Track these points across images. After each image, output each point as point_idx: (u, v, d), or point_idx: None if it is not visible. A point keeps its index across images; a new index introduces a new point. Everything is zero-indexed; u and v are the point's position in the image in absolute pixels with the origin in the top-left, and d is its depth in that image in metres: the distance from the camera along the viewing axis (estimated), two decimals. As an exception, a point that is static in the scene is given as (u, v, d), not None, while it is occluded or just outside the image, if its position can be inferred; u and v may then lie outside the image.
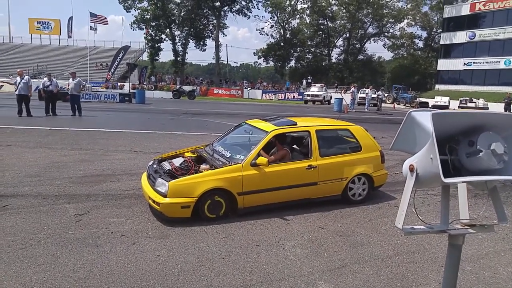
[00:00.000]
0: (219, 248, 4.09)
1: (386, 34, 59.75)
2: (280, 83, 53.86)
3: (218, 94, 42.36)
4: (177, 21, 57.09)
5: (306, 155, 5.47)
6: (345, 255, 4.01)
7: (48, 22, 54.95)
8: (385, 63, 70.38)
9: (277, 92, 43.05)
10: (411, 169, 1.84)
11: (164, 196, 4.70)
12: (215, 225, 4.70)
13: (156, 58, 59.09)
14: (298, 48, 60.95)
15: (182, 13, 56.59)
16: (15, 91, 15.08)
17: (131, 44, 47.20)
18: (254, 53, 62.55)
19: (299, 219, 5.04)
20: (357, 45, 61.39)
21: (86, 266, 3.57)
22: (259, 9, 59.81)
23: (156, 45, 57.33)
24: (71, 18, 55.67)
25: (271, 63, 63.93)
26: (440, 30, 53.80)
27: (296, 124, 5.63)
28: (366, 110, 25.79)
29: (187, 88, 38.39)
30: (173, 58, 59.75)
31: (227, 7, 56.52)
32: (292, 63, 63.80)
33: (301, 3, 58.35)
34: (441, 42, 51.60)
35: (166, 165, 5.41)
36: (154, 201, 4.76)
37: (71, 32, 55.65)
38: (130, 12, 57.02)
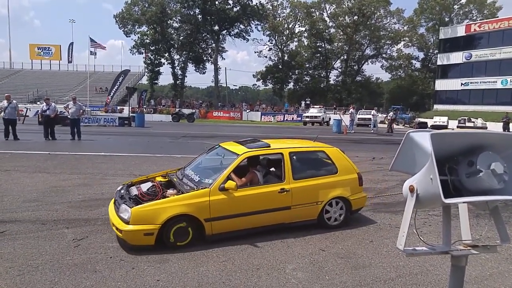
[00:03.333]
0: (219, 272, 4.03)
1: (383, 55, 60.80)
2: (279, 105, 54.37)
3: (217, 117, 42.67)
4: (176, 45, 58.18)
5: (280, 178, 5.29)
6: (346, 278, 3.94)
7: (49, 47, 55.92)
8: (383, 84, 71.21)
9: (276, 114, 43.39)
10: (411, 189, 1.84)
11: (127, 222, 4.49)
12: (214, 248, 4.65)
13: (155, 81, 59.90)
14: (297, 70, 61.85)
15: (181, 37, 57.78)
16: (2, 114, 15.09)
17: (130, 68, 47.81)
18: (253, 76, 63.48)
19: (300, 241, 4.99)
20: (355, 67, 62.30)
21: (84, 293, 3.50)
22: (259, 31, 60.71)
23: (156, 69, 58.27)
24: (71, 43, 56.59)
25: (270, 86, 64.71)
26: (437, 51, 54.78)
27: (269, 146, 5.49)
28: (372, 131, 25.55)
29: (186, 111, 38.67)
30: (173, 81, 60.50)
31: (225, 31, 57.72)
32: (291, 85, 64.68)
33: (299, 26, 59.68)
34: (438, 63, 52.56)
35: (134, 190, 5.22)
36: (117, 228, 4.55)
37: (71, 57, 56.53)
38: (129, 36, 58.17)
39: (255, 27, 58.64)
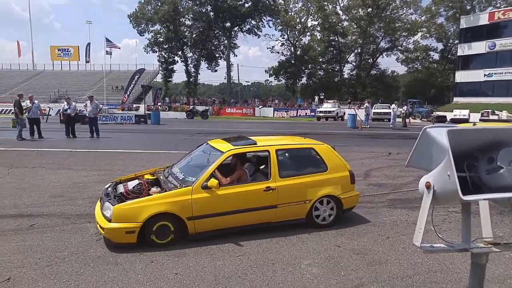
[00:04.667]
0: (235, 266, 4.11)
1: (399, 48, 59.47)
2: (292, 100, 54.05)
3: (230, 113, 42.77)
4: (189, 43, 58.48)
5: (267, 176, 5.16)
6: (362, 274, 3.97)
7: (68, 48, 56.98)
8: (399, 77, 69.98)
9: (288, 110, 43.19)
10: (428, 186, 1.83)
11: (109, 220, 4.49)
12: (230, 243, 4.73)
13: (169, 79, 60.31)
14: (310, 65, 61.23)
15: (194, 35, 57.99)
16: (27, 114, 15.52)
17: (145, 66, 48.24)
18: (265, 71, 63.24)
19: (315, 237, 5.02)
20: (369, 60, 61.37)
21: (107, 284, 3.69)
22: (270, 27, 60.49)
23: (169, 67, 58.68)
24: (88, 44, 57.56)
25: (283, 81, 64.36)
26: (457, 41, 52.87)
27: (255, 144, 5.37)
28: (391, 126, 25.17)
29: (200, 108, 38.89)
30: (186, 79, 60.83)
31: (237, 27, 57.67)
32: (304, 80, 64.18)
33: (311, 20, 59.01)
34: (459, 53, 50.54)
35: (120, 188, 5.24)
36: (100, 226, 4.58)
37: (88, 57, 57.43)
38: (143, 35, 58.75)
39: (267, 23, 58.51)
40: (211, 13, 55.85)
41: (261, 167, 5.64)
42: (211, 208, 4.77)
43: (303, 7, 58.68)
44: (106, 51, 39.25)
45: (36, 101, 16.06)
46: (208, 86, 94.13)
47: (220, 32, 58.57)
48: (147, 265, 4.09)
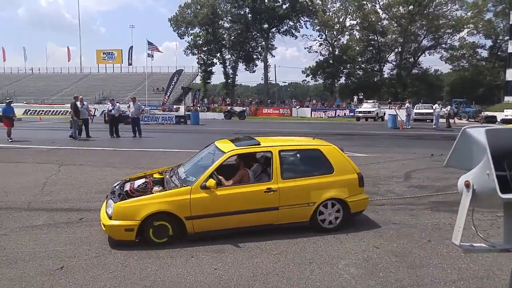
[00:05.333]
0: (273, 264, 4.17)
1: (443, 45, 56.83)
2: (330, 101, 53.35)
3: (267, 114, 42.87)
4: (227, 45, 59.26)
5: (270, 177, 5.08)
6: (402, 276, 3.89)
7: (112, 52, 59.46)
8: (443, 76, 66.97)
9: (327, 110, 42.67)
10: (467, 185, 1.82)
11: (110, 218, 4.61)
12: (267, 241, 4.80)
13: (208, 81, 61.40)
14: (348, 65, 60.03)
15: (232, 37, 58.69)
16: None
17: (184, 68, 49.46)
18: (302, 72, 62.70)
19: (352, 238, 4.98)
20: (410, 59, 59.17)
21: (150, 276, 3.87)
22: (307, 28, 59.90)
23: (208, 69, 59.71)
24: (131, 47, 59.77)
25: (320, 81, 63.63)
26: (507, 37, 49.97)
27: (259, 144, 5.31)
28: (434, 127, 24.26)
29: (237, 108, 39.32)
30: (224, 80, 61.71)
31: (274, 28, 57.72)
32: (342, 79, 62.97)
33: (350, 20, 57.88)
34: (510, 50, 47.75)
35: (127, 186, 5.31)
36: (102, 223, 4.73)
37: (131, 60, 59.63)
38: (183, 38, 60.16)
39: (304, 24, 58.02)
40: (249, 15, 56.28)
41: (267, 168, 5.52)
42: (210, 209, 4.76)
43: (341, 7, 57.75)
44: (148, 53, 40.50)
45: (85, 103, 17.00)
46: (245, 87, 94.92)
47: (257, 34, 58.88)
48: (187, 260, 4.25)
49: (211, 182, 4.70)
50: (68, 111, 33.74)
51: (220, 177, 5.15)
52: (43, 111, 42.13)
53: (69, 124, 16.66)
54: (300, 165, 5.61)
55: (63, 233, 5.01)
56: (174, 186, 4.93)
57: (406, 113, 25.71)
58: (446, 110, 26.48)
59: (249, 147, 5.32)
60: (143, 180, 5.45)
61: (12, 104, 16.37)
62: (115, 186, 5.44)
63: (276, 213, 4.99)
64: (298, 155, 5.68)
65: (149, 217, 4.57)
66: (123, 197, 4.87)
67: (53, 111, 42.36)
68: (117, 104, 18.64)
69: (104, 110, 19.37)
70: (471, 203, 1.81)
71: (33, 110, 41.63)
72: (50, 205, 6.36)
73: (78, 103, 16.27)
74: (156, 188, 5.00)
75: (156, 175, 5.58)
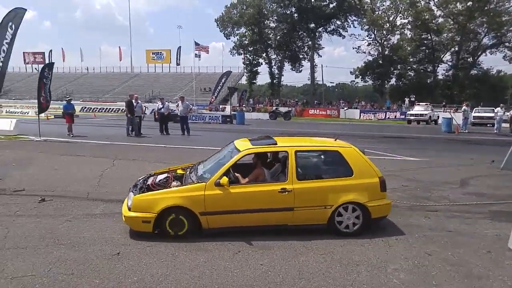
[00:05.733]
0: (319, 263, 4.15)
1: (506, 44, 52.90)
2: (380, 102, 51.71)
3: (313, 115, 42.35)
4: (273, 45, 59.22)
5: (286, 177, 5.02)
6: (457, 286, 3.70)
7: (161, 52, 61.51)
8: (508, 78, 62.33)
9: (376, 112, 41.42)
10: None
11: (129, 209, 4.82)
12: (314, 240, 4.78)
13: (253, 81, 61.76)
14: (399, 65, 57.65)
15: (278, 37, 58.55)
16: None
17: (230, 68, 50.21)
18: (350, 72, 61.26)
19: (403, 242, 4.83)
20: (468, 59, 55.58)
21: (199, 267, 4.02)
22: (355, 27, 58.23)
23: (254, 69, 59.99)
24: (179, 47, 61.60)
25: (369, 82, 61.79)
26: None
27: (275, 144, 5.30)
28: (496, 132, 22.73)
29: (283, 109, 39.24)
30: (270, 80, 61.76)
31: (321, 28, 56.83)
32: (393, 81, 60.60)
33: (401, 18, 55.60)
34: None
35: (150, 180, 5.46)
36: (123, 214, 4.92)
37: (179, 60, 61.37)
38: (229, 38, 60.88)
39: (352, 23, 56.54)
40: (295, 15, 55.84)
41: (285, 168, 5.41)
42: (223, 205, 4.83)
43: (391, 5, 55.67)
44: (195, 54, 41.57)
45: (139, 101, 17.77)
46: (291, 87, 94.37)
47: (304, 33, 58.28)
48: (234, 254, 4.35)
49: (224, 179, 4.77)
50: (121, 108, 35.64)
51: (237, 174, 5.26)
52: (97, 108, 44.40)
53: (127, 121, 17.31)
54: (318, 167, 5.52)
55: (118, 222, 5.29)
56: (191, 182, 5.06)
57: (463, 116, 24.28)
58: (510, 113, 24.70)
59: (264, 146, 5.34)
60: (165, 175, 5.62)
61: (71, 102, 17.52)
62: (139, 180, 5.67)
63: (291, 213, 4.94)
64: (315, 156, 5.59)
65: (165, 210, 4.73)
66: (144, 191, 5.05)
67: (106, 108, 44.56)
68: (166, 103, 19.32)
69: (153, 109, 20.16)
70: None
71: (88, 108, 43.97)
72: (107, 196, 6.80)
73: (133, 101, 17.01)
74: (174, 183, 5.17)
75: (179, 171, 5.78)
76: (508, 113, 24.68)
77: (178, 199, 4.77)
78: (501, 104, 24.90)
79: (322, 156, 5.57)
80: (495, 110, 24.26)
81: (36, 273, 3.80)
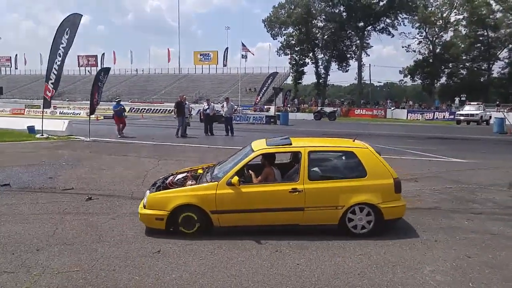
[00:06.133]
0: (355, 264, 4.21)
1: None
2: (428, 102, 49.72)
3: (359, 115, 41.61)
4: (320, 44, 58.73)
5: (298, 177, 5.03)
6: (496, 289, 3.66)
7: (208, 53, 62.91)
8: None
9: (424, 112, 39.92)
10: None
11: (144, 207, 4.99)
12: (352, 241, 4.84)
13: (299, 81, 61.54)
14: (451, 64, 55.17)
15: (325, 36, 57.98)
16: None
17: (276, 69, 50.40)
18: (399, 72, 59.44)
19: (442, 244, 4.78)
20: (528, 56, 52.19)
21: (236, 265, 4.17)
22: (405, 25, 56.31)
23: (300, 69, 59.78)
24: (226, 49, 62.79)
25: (418, 81, 59.59)
26: None
27: (290, 144, 5.32)
28: None
29: (328, 109, 38.88)
30: (316, 80, 61.26)
31: (370, 26, 55.60)
32: (443, 80, 58.14)
33: (455, 14, 53.08)
34: None
35: (169, 179, 5.59)
36: (138, 212, 5.10)
37: (226, 61, 62.51)
38: (276, 39, 61.11)
39: (402, 21, 54.77)
40: (344, 13, 55.15)
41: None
42: (234, 204, 4.91)
43: (446, 1, 53.25)
44: (242, 54, 42.18)
45: (187, 102, 18.39)
46: (337, 87, 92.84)
47: (352, 32, 57.38)
48: (272, 253, 4.47)
49: (235, 179, 4.85)
50: (168, 109, 36.86)
51: (251, 172, 5.38)
52: (145, 109, 46.31)
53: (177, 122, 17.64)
54: (331, 167, 5.50)
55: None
56: (205, 181, 5.19)
57: None
58: None
59: (278, 146, 5.38)
60: (184, 174, 5.77)
61: (121, 102, 18.26)
62: (160, 179, 5.84)
63: (302, 213, 4.97)
64: (329, 156, 5.57)
65: (178, 208, 4.88)
66: (160, 189, 5.22)
67: (154, 109, 46.32)
68: (212, 103, 19.85)
69: (199, 110, 20.82)
70: None
71: (136, 108, 45.91)
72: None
73: (186, 102, 17.56)
74: (189, 182, 5.29)
75: (200, 171, 5.90)
76: None
77: (190, 197, 4.92)
78: None
79: (336, 157, 5.59)
80: None
81: (80, 269, 4.01)
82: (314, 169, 5.14)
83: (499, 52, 53.22)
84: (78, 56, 68.83)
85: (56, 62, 15.57)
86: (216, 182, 4.99)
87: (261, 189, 5.05)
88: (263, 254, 4.44)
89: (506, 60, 52.84)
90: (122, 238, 4.95)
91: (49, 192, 7.29)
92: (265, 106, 42.74)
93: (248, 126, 25.79)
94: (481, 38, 52.66)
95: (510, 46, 51.74)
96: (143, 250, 4.57)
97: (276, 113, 32.28)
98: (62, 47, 15.54)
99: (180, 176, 5.73)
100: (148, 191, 5.31)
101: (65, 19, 15.83)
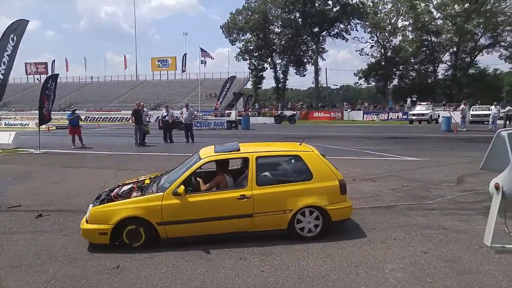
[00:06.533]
0: (319, 267, 4.26)
1: (502, 44, 53.14)
2: (383, 103, 51.84)
3: (318, 117, 42.52)
4: (278, 50, 59.61)
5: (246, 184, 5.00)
6: (451, 282, 3.83)
7: (166, 59, 62.10)
8: (503, 76, 62.42)
9: (379, 113, 41.51)
10: (497, 187, 1.85)
11: (87, 221, 4.79)
12: (315, 243, 4.89)
13: (259, 86, 62.05)
14: (401, 66, 58.12)
15: (283, 42, 58.93)
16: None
17: (236, 74, 50.45)
18: (354, 74, 61.59)
19: (400, 242, 4.95)
20: (466, 59, 55.91)
21: (200, 276, 4.08)
22: (358, 30, 58.39)
23: (259, 74, 60.31)
24: (185, 54, 62.13)
25: (373, 83, 62.09)
26: None
27: (238, 150, 5.28)
28: (489, 128, 22.98)
29: (288, 113, 39.43)
30: (275, 85, 62.04)
31: (325, 31, 57.19)
32: (395, 81, 61.01)
33: (402, 21, 55.98)
34: None
35: (114, 191, 5.38)
36: (80, 227, 4.90)
37: (184, 67, 61.79)
38: (235, 44, 61.28)
39: (355, 26, 56.87)
40: (300, 20, 56.30)
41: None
42: (181, 215, 4.80)
43: (393, 8, 56.04)
44: (201, 60, 41.92)
45: (145, 109, 17.94)
46: (296, 91, 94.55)
47: (308, 38, 58.68)
48: (236, 262, 4.42)
49: (181, 188, 4.76)
50: (126, 117, 35.78)
51: (199, 179, 5.35)
52: (101, 117, 44.77)
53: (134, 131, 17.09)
54: (278, 172, 5.47)
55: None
56: (151, 192, 5.03)
57: (461, 115, 24.51)
58: (506, 110, 24.89)
59: (225, 153, 5.31)
60: (130, 186, 5.53)
61: (76, 111, 17.16)
62: (105, 191, 5.61)
63: (251, 220, 4.92)
64: (277, 161, 5.59)
65: (122, 222, 4.70)
66: (105, 202, 5.00)
67: (110, 117, 44.93)
68: (171, 110, 19.51)
69: (158, 116, 20.40)
70: (501, 205, 1.85)
71: (92, 117, 44.34)
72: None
73: (144, 109, 17.12)
74: (134, 194, 5.09)
75: (147, 181, 5.70)
76: (504, 110, 24.93)
77: (135, 209, 4.76)
78: (495, 102, 25.49)
79: (283, 161, 5.61)
80: (490, 108, 24.52)
81: (28, 293, 3.73)
82: (262, 174, 5.13)
83: (442, 56, 57.00)
84: (25, 63, 65.59)
85: (0, 71, 14.66)
86: (162, 193, 4.85)
87: (208, 197, 4.96)
88: (227, 264, 4.38)
89: (449, 63, 56.63)
90: (76, 255, 4.67)
91: (-7, 210, 6.74)
92: (226, 111, 42.66)
93: (209, 132, 25.60)
94: (426, 43, 56.13)
95: (451, 50, 55.44)
96: (100, 266, 4.35)
97: (237, 118, 32.28)
98: (6, 54, 14.62)
99: (126, 187, 5.49)
100: (91, 205, 5.05)
101: (10, 25, 14.96)
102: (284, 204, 4.96)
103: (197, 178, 5.51)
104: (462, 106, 25.47)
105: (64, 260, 4.55)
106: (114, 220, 4.69)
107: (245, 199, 4.87)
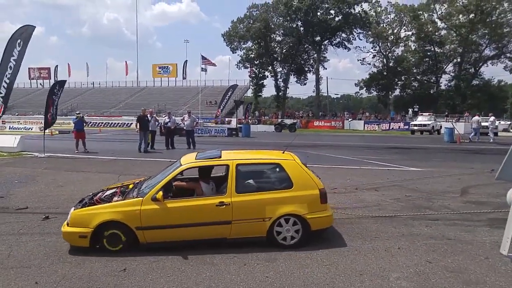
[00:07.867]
0: (324, 274, 4.25)
1: (507, 55, 53.26)
2: (384, 113, 51.95)
3: (318, 126, 42.61)
4: (279, 58, 59.88)
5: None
6: (456, 292, 3.83)
7: (167, 66, 62.37)
8: (508, 87, 62.67)
9: (380, 123, 41.59)
10: None
11: (67, 224, 4.87)
12: (320, 251, 4.90)
13: (259, 94, 62.23)
14: (403, 76, 58.25)
15: (284, 50, 59.24)
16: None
17: (237, 81, 50.67)
18: (355, 84, 61.74)
19: (405, 251, 4.94)
20: (470, 70, 56.05)
21: (205, 281, 4.10)
22: (360, 39, 58.64)
23: (260, 82, 60.51)
24: (186, 61, 62.47)
25: (374, 93, 62.19)
26: None
27: (220, 157, 5.33)
28: (491, 141, 23.01)
29: (288, 121, 39.51)
30: (275, 93, 62.21)
31: (327, 41, 57.42)
32: (397, 92, 61.17)
33: (405, 31, 56.26)
34: None
35: (97, 196, 5.42)
36: (61, 230, 4.95)
37: (185, 74, 62.04)
38: (236, 52, 61.57)
39: (357, 35, 57.11)
40: (301, 28, 56.60)
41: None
42: (160, 220, 4.84)
43: (395, 18, 56.39)
44: (202, 67, 41.97)
45: (154, 115, 18.02)
46: (296, 99, 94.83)
47: (309, 46, 58.92)
48: (240, 267, 4.43)
49: (160, 194, 4.80)
50: (127, 123, 35.86)
51: (181, 183, 5.44)
52: (102, 123, 44.95)
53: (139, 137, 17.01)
54: (258, 179, 5.46)
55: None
56: (132, 197, 5.07)
57: (476, 125, 23.70)
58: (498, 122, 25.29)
59: (205, 160, 5.38)
60: (113, 190, 5.58)
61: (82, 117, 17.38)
62: (88, 195, 5.64)
63: (229, 227, 4.93)
64: (257, 169, 5.61)
65: (102, 225, 4.76)
66: (87, 206, 5.07)
67: (112, 123, 45.12)
68: (173, 117, 19.60)
69: (160, 123, 20.45)
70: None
71: (93, 122, 44.34)
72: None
73: (148, 116, 17.07)
74: (116, 198, 5.15)
75: (131, 186, 5.73)
76: (502, 122, 25.23)
77: (114, 214, 4.81)
78: (490, 114, 25.95)
79: (264, 169, 5.63)
80: (490, 119, 24.74)
81: (39, 293, 3.78)
82: (241, 181, 5.13)
83: (445, 66, 57.12)
84: (29, 68, 65.93)
85: (6, 75, 14.79)
86: (141, 198, 4.90)
87: (187, 203, 4.97)
88: (232, 269, 4.39)
89: (452, 74, 56.68)
90: (84, 257, 4.71)
91: (1, 212, 6.84)
92: (226, 119, 42.76)
93: (210, 139, 25.64)
94: (429, 53, 56.27)
95: (455, 60, 55.57)
96: (107, 269, 4.39)
97: (237, 125, 32.35)
98: (13, 59, 14.81)
99: (109, 192, 5.55)
100: (73, 208, 5.10)
101: (17, 30, 15.15)
102: (263, 212, 4.96)
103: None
104: (476, 117, 24.98)
105: (73, 262, 4.61)
106: (94, 223, 4.74)
107: (224, 206, 4.89)
